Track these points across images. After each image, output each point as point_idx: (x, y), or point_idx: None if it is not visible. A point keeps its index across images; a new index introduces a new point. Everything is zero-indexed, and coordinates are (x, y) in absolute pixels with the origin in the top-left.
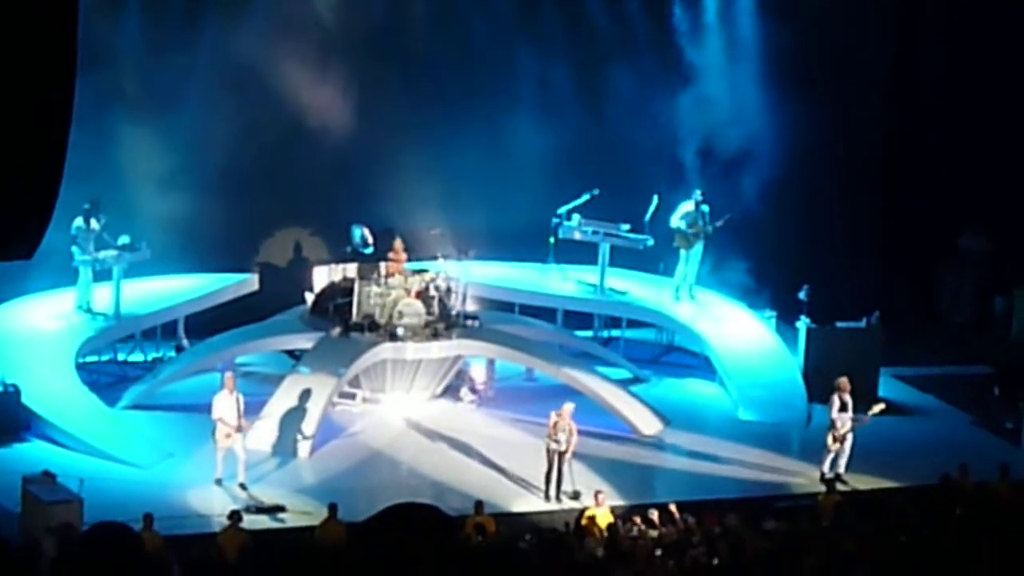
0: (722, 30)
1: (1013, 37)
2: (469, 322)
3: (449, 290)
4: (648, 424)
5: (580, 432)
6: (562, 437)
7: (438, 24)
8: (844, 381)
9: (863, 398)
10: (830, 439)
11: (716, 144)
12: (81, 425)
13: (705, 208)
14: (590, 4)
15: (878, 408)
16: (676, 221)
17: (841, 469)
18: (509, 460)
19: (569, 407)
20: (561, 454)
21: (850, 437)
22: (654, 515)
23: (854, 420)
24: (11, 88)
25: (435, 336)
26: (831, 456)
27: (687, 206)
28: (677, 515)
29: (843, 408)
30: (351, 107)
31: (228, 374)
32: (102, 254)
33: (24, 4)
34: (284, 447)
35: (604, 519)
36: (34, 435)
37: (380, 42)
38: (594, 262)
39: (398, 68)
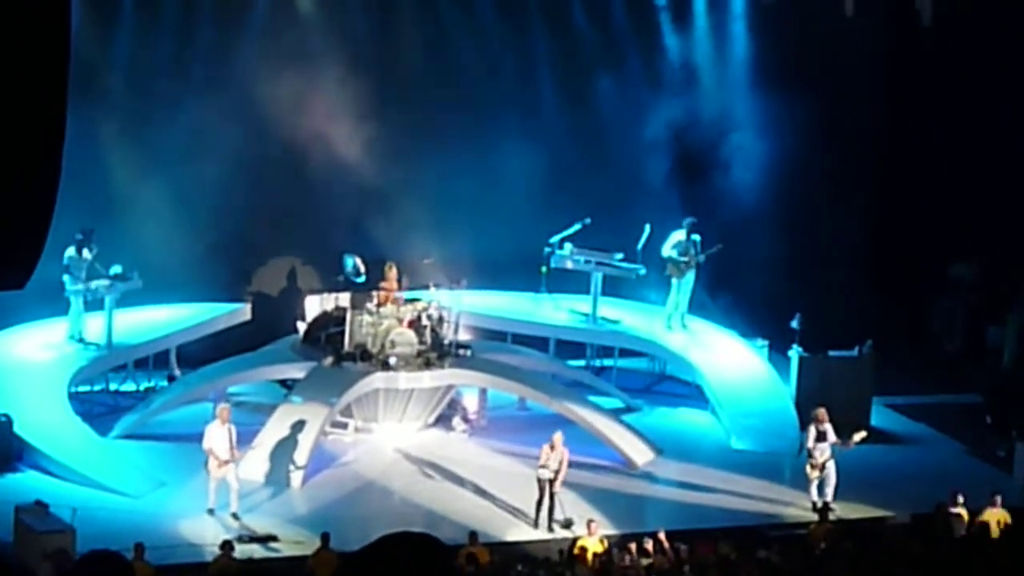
0: (715, 54)
1: (1003, 66)
2: (461, 351)
3: (441, 319)
4: (640, 453)
5: (573, 462)
6: (552, 464)
7: (429, 52)
8: (822, 412)
9: (855, 426)
10: (808, 468)
11: (708, 172)
12: (73, 455)
13: (696, 237)
14: (580, 30)
15: (859, 436)
16: (668, 250)
17: (828, 497)
18: (501, 489)
19: (559, 436)
20: (551, 482)
21: (831, 465)
22: (648, 544)
23: (838, 444)
24: (3, 116)
25: (427, 365)
26: (815, 484)
27: (678, 235)
28: (667, 544)
29: (821, 438)
30: (344, 137)
31: (223, 406)
32: (94, 284)
33: (16, 33)
34: (276, 477)
35: (596, 548)
36: (26, 465)
37: (372, 71)
38: (586, 291)
39: (390, 97)
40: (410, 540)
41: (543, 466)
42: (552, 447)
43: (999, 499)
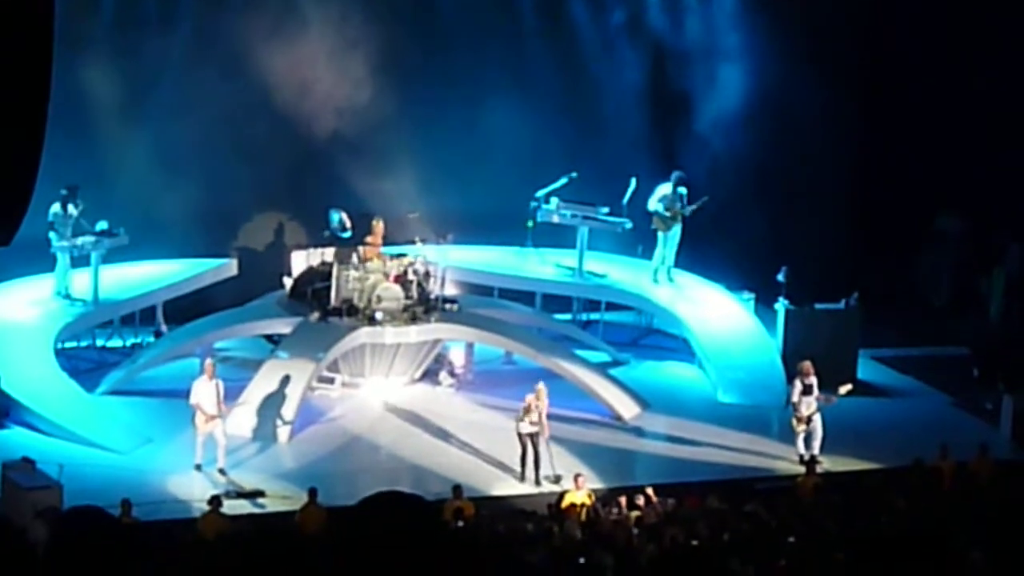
0: (701, 12)
1: (987, 19)
2: (448, 306)
3: (427, 274)
4: (627, 407)
5: (560, 416)
6: (533, 416)
7: (414, 8)
8: (807, 365)
9: (841, 380)
10: (794, 421)
11: (693, 125)
12: (60, 411)
13: (682, 191)
14: None
15: (845, 389)
16: (654, 204)
17: (815, 450)
18: (488, 444)
19: (542, 387)
20: (533, 436)
21: (817, 418)
22: (639, 499)
23: (822, 399)
24: None
25: (414, 320)
26: (802, 437)
27: (664, 188)
28: (654, 498)
29: (807, 391)
30: (328, 92)
31: (208, 360)
32: (80, 240)
33: None
34: (263, 432)
35: (584, 502)
36: (13, 421)
37: (355, 27)
38: (573, 245)
39: (374, 53)
40: (397, 499)
41: (523, 419)
42: (537, 397)
43: (985, 451)
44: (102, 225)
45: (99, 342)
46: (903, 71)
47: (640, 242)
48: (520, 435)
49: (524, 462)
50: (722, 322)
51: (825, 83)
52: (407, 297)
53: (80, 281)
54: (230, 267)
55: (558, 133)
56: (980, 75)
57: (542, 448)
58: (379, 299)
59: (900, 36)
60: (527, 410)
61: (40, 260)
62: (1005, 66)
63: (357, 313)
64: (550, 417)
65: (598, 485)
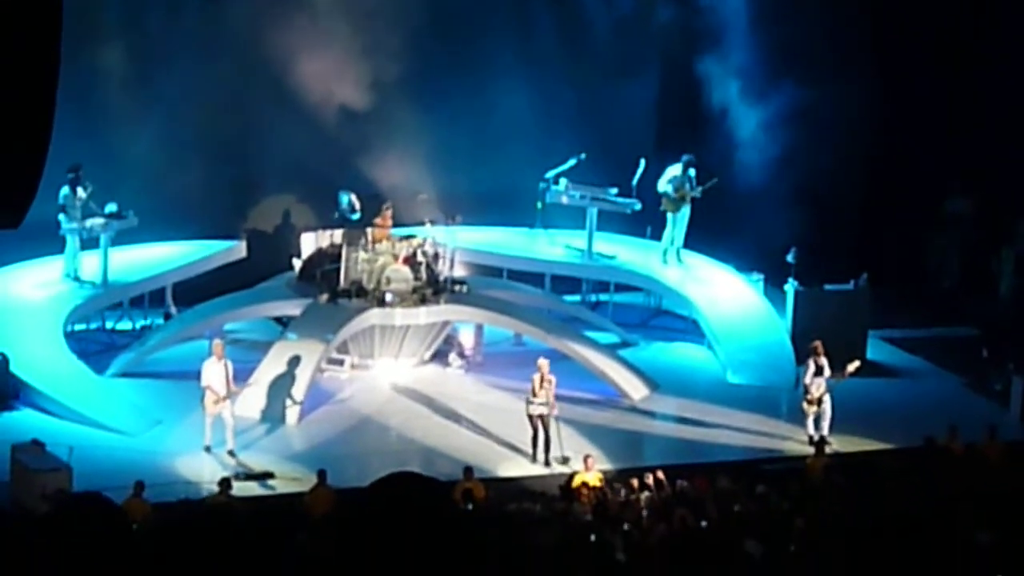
0: None
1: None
2: (457, 287)
3: (437, 255)
4: (636, 388)
5: (569, 397)
6: (541, 396)
7: None
8: (818, 344)
9: (849, 359)
10: (805, 403)
11: (703, 107)
12: (70, 393)
13: (692, 172)
14: None
15: (853, 366)
16: (663, 185)
17: (825, 431)
18: (497, 425)
19: (544, 362)
20: (542, 417)
21: (827, 399)
22: (648, 479)
23: (833, 376)
24: None
25: (423, 302)
26: (812, 419)
27: (674, 170)
28: (664, 480)
29: (818, 372)
30: (338, 73)
31: (216, 341)
32: (89, 222)
33: None
34: (273, 414)
35: (593, 483)
36: (23, 404)
37: (365, 7)
38: (582, 226)
39: (384, 33)
40: (407, 480)
41: (532, 401)
42: (541, 377)
43: (994, 432)
44: (111, 207)
45: (108, 324)
46: (913, 54)
47: (649, 223)
48: (531, 417)
49: (535, 443)
50: (731, 303)
51: (836, 66)
52: (416, 278)
53: (89, 263)
54: (239, 249)
55: (567, 114)
56: (989, 57)
57: (552, 429)
58: (388, 280)
59: (910, 19)
60: (534, 391)
61: (49, 242)
62: (1014, 48)
63: (366, 295)
64: (559, 399)
65: (607, 466)
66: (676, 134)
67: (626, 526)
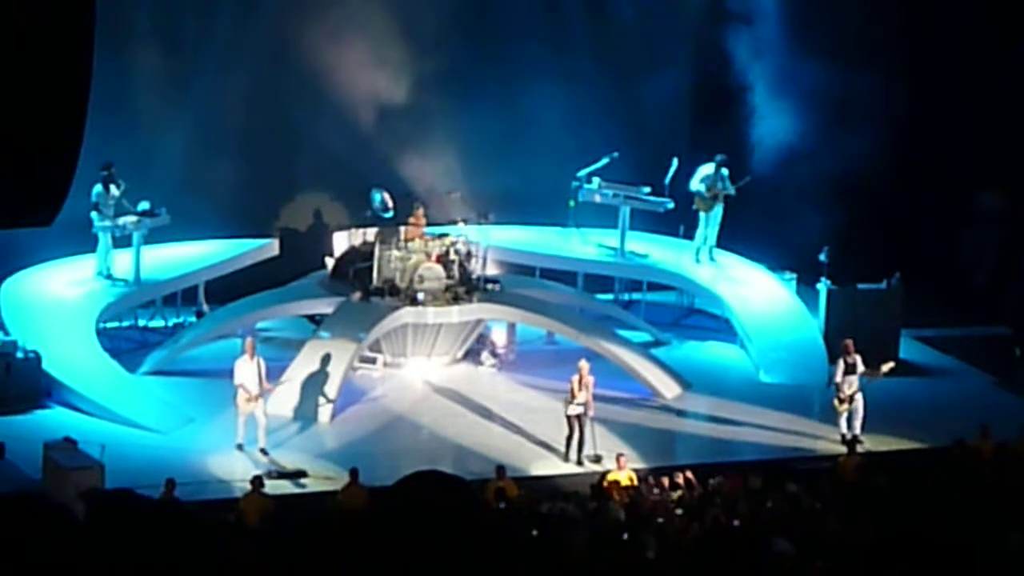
0: None
1: None
2: (489, 286)
3: (469, 254)
4: (669, 387)
5: (602, 396)
6: (581, 398)
7: None
8: (849, 343)
9: (883, 359)
10: (836, 401)
11: (736, 106)
12: (102, 391)
13: (725, 171)
14: None
15: (888, 366)
16: (695, 184)
17: (857, 430)
18: (530, 423)
19: (585, 364)
20: (580, 417)
21: (859, 397)
22: (679, 478)
23: (866, 375)
24: (31, 54)
25: (455, 300)
26: (844, 417)
27: (706, 169)
28: (694, 481)
29: (849, 370)
30: (371, 72)
31: (248, 339)
32: (122, 220)
33: None
34: (305, 412)
35: (626, 482)
36: (55, 401)
37: (399, 6)
38: (614, 225)
39: (417, 31)
40: (437, 478)
41: (571, 402)
42: (580, 378)
43: None
44: (144, 205)
45: (141, 322)
46: (946, 49)
47: (681, 222)
48: (569, 418)
49: (569, 443)
50: (764, 302)
51: (868, 62)
52: (449, 277)
53: (122, 261)
54: (272, 247)
55: (599, 112)
56: (1021, 51)
57: (587, 429)
58: (421, 279)
59: (943, 13)
60: (573, 392)
61: (82, 240)
62: None
63: (399, 293)
64: (592, 398)
65: (640, 465)
66: (708, 132)
67: (660, 521)
